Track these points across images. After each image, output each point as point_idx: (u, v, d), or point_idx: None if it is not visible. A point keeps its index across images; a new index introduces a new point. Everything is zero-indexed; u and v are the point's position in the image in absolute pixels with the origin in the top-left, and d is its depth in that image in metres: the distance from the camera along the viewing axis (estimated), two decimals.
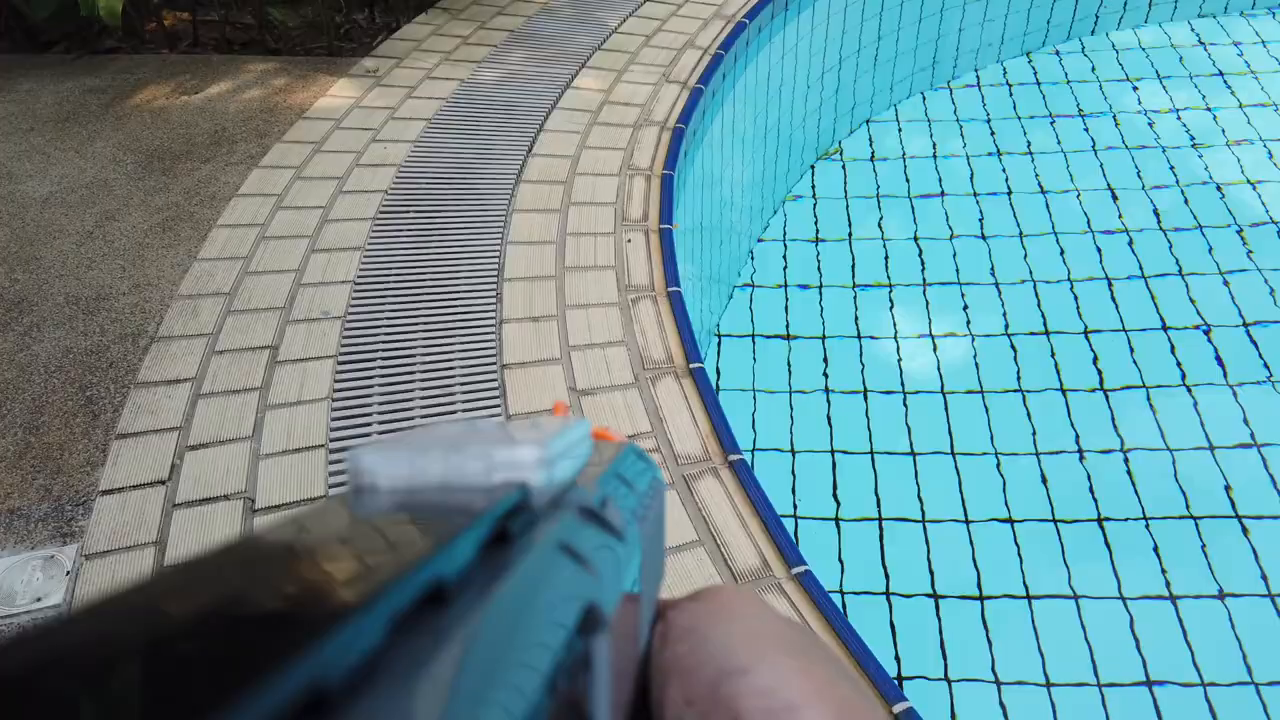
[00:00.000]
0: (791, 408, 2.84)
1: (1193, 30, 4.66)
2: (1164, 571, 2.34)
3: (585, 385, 1.90)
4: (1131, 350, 3.00)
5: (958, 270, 3.34)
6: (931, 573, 2.37)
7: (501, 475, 0.18)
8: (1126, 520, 2.47)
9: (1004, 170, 3.79)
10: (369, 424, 1.85)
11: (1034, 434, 2.75)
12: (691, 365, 1.91)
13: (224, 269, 2.29)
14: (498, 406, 1.87)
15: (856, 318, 3.20)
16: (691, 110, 2.89)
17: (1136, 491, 2.53)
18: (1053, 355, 3.02)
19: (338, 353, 2.01)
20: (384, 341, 2.05)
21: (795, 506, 2.50)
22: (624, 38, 3.36)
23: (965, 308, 3.20)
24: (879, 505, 2.55)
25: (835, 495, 2.59)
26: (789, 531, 1.57)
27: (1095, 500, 2.53)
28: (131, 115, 3.03)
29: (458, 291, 2.18)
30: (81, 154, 2.83)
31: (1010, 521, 2.48)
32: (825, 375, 2.96)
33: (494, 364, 1.98)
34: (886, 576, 2.37)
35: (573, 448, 0.22)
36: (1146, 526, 2.46)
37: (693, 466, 1.71)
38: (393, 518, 0.17)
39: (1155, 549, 2.40)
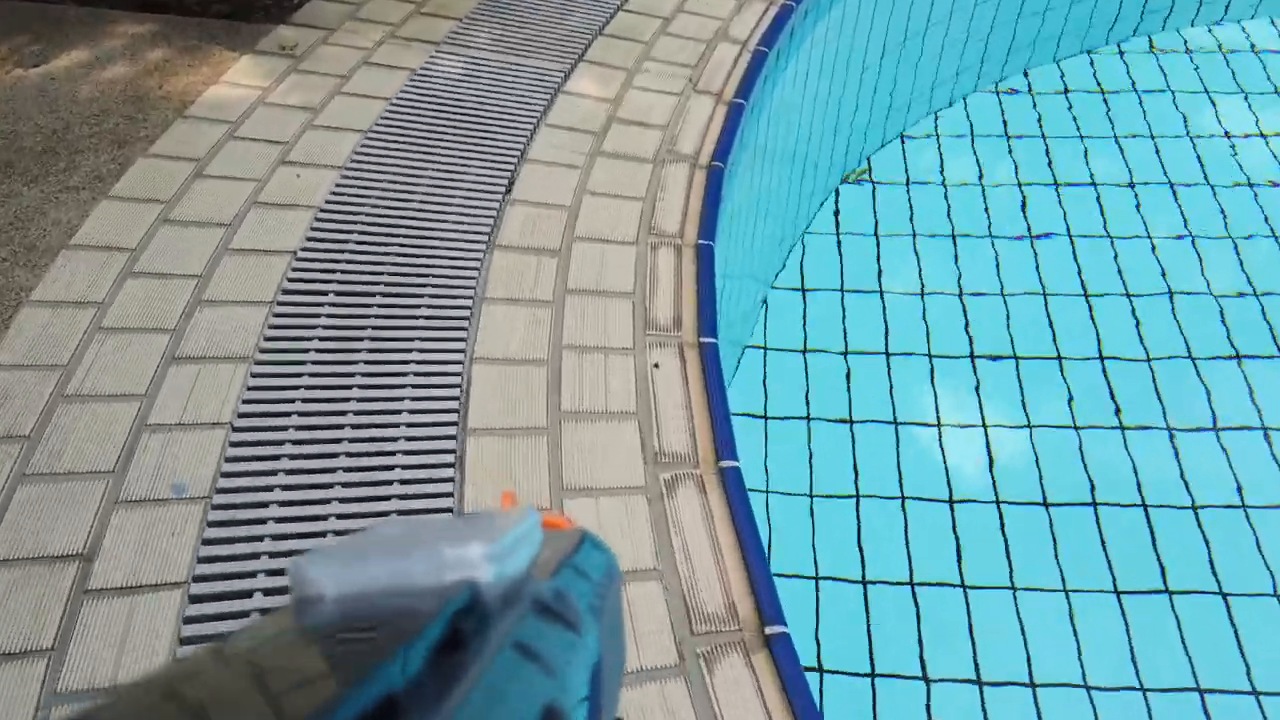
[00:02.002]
0: (813, 514, 2.16)
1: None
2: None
3: None
4: (1225, 452, 2.38)
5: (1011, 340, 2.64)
6: None
7: (451, 574, 0.17)
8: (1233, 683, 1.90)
9: (1060, 204, 3.08)
10: None
11: (1109, 562, 2.14)
12: (768, 631, 1.18)
13: (25, 386, 1.46)
14: None
15: (891, 393, 2.49)
16: (731, 138, 2.10)
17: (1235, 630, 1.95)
18: (1127, 448, 2.38)
19: (189, 577, 1.22)
20: (269, 551, 1.27)
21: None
22: (634, 19, 2.51)
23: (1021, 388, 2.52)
24: (923, 664, 1.94)
25: (871, 657, 1.96)
26: None
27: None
28: None
29: (393, 449, 1.40)
30: None
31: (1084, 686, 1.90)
32: (854, 470, 2.27)
33: None
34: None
35: (523, 540, 0.20)
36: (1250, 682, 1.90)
37: None
38: (339, 629, 0.16)
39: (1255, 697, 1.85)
